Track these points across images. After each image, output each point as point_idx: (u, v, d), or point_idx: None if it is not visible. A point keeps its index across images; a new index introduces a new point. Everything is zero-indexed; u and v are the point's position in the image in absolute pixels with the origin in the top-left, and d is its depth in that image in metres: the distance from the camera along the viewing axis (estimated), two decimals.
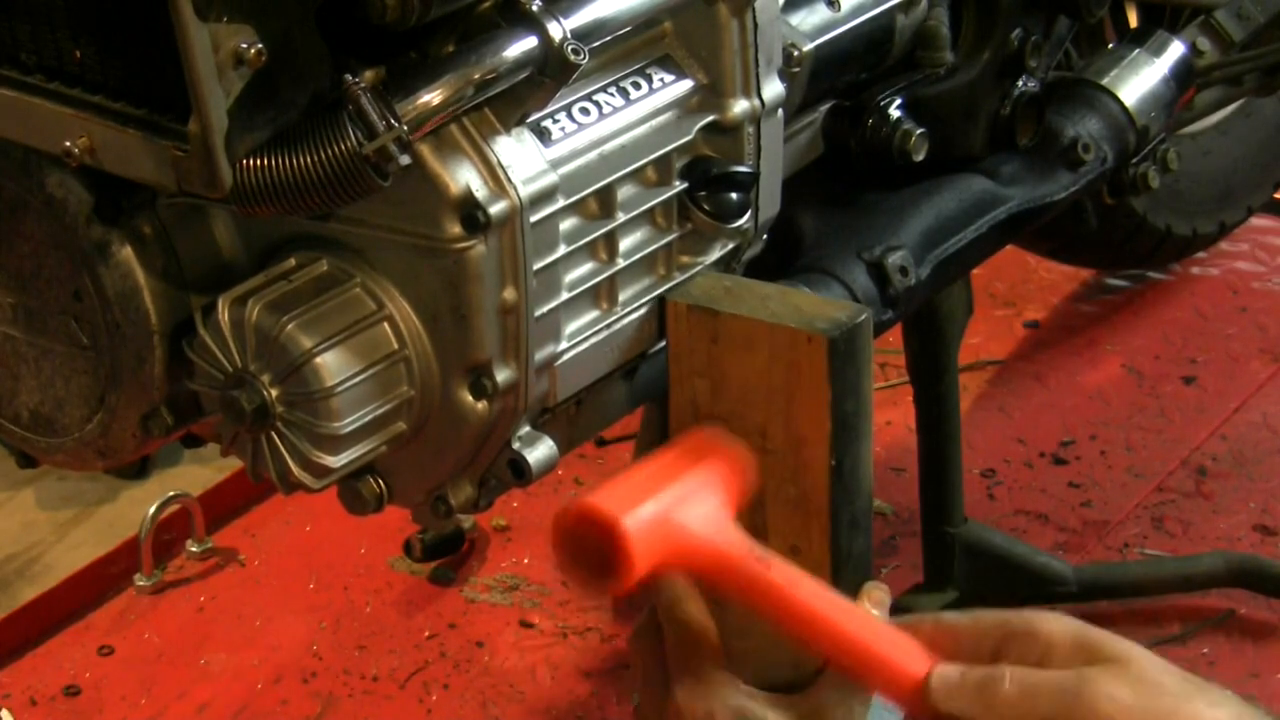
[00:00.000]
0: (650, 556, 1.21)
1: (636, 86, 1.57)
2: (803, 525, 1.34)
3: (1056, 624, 1.21)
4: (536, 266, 1.48)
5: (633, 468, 1.27)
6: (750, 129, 1.62)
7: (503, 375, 1.49)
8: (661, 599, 1.33)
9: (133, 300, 1.49)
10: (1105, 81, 2.10)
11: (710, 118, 1.60)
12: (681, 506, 1.23)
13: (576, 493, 1.28)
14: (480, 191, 1.44)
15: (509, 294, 1.47)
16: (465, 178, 1.44)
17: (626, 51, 1.58)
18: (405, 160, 1.37)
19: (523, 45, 1.43)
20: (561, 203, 1.49)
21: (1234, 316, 2.97)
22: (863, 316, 1.32)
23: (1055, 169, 2.03)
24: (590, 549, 1.21)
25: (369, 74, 1.41)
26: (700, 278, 1.50)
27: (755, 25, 1.60)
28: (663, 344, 1.62)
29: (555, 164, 1.49)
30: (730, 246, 1.65)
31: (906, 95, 1.91)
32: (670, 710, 1.31)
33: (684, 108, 1.59)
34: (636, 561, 1.20)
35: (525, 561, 2.53)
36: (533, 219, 1.47)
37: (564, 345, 1.55)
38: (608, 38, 1.51)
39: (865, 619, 1.26)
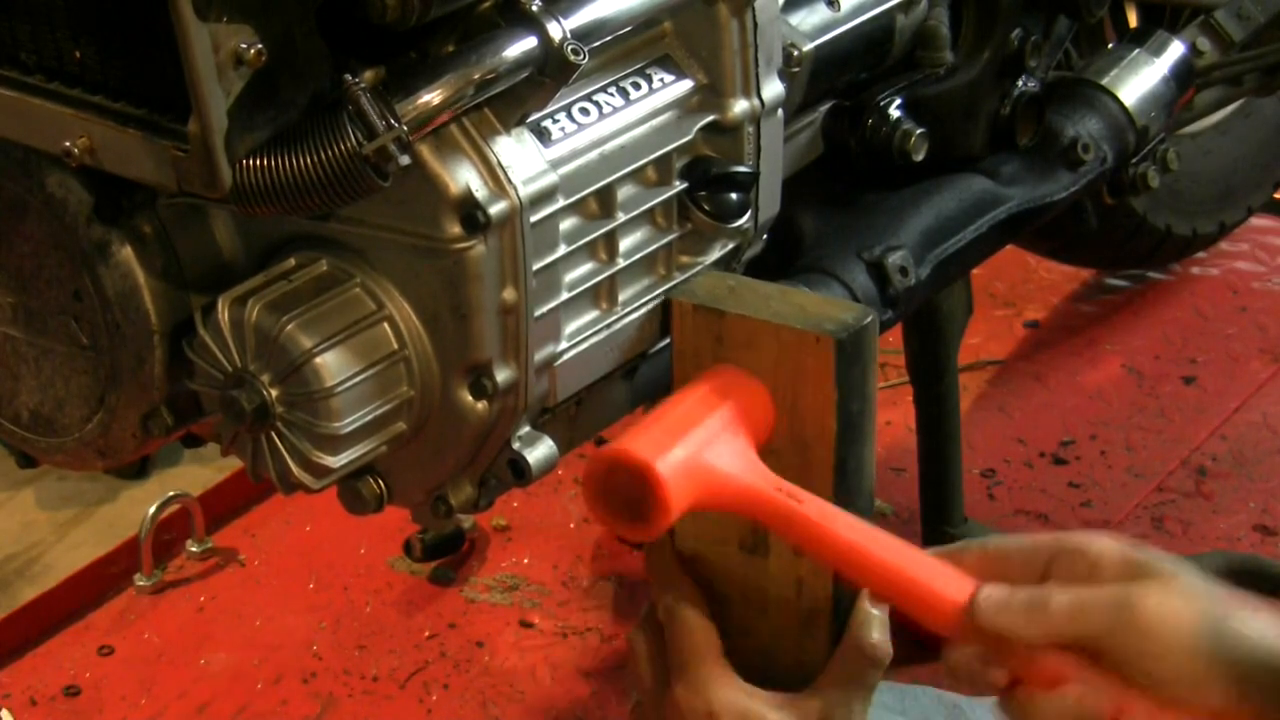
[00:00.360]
0: (684, 499, 1.22)
1: (636, 86, 1.57)
2: None
3: (1105, 543, 1.21)
4: (536, 266, 1.48)
5: (657, 410, 1.27)
6: (750, 129, 1.62)
7: (503, 375, 1.49)
8: (661, 597, 1.33)
9: (133, 300, 1.49)
10: (1105, 81, 2.10)
11: (710, 118, 1.60)
12: (710, 447, 1.24)
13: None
14: (480, 191, 1.44)
15: (509, 294, 1.47)
16: (465, 178, 1.44)
17: (626, 51, 1.58)
18: (405, 160, 1.37)
19: (523, 45, 1.43)
20: (561, 203, 1.49)
21: (1234, 316, 2.97)
22: (869, 318, 1.31)
23: (1055, 169, 2.03)
24: (623, 494, 1.21)
25: (369, 74, 1.41)
26: (704, 277, 1.50)
27: (755, 25, 1.60)
28: (663, 344, 1.62)
29: (555, 164, 1.49)
30: (730, 246, 1.65)
31: (906, 95, 1.90)
32: (669, 708, 1.30)
33: (684, 108, 1.59)
34: (672, 505, 1.20)
35: (525, 561, 2.53)
36: (533, 219, 1.47)
37: (564, 345, 1.55)
38: (608, 38, 1.51)
39: (903, 549, 1.23)
